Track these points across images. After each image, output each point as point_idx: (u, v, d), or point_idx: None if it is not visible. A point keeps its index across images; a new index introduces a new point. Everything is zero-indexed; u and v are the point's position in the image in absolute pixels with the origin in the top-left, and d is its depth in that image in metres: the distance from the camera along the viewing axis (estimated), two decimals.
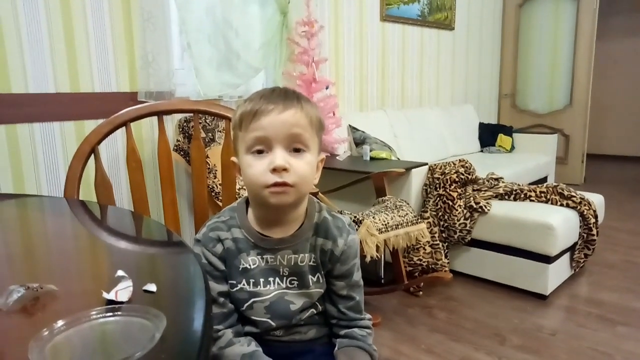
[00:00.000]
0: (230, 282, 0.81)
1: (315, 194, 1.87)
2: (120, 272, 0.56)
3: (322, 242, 0.81)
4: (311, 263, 0.81)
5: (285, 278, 0.81)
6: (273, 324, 0.82)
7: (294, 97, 0.75)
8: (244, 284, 0.80)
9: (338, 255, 0.81)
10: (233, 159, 0.80)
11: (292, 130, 0.73)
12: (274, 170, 0.72)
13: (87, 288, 0.61)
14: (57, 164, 1.85)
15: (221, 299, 0.80)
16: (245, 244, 0.80)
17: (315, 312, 0.85)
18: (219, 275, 0.80)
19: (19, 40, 1.71)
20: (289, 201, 0.74)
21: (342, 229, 0.83)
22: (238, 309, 0.82)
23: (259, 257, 0.80)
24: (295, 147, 0.74)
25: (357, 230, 1.84)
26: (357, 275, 0.86)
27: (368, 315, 0.89)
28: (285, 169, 0.72)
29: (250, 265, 0.80)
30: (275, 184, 0.72)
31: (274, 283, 0.81)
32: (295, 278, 0.81)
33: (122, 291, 0.53)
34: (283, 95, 0.75)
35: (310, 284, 0.82)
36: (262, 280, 0.80)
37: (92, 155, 1.18)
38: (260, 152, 0.74)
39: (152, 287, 0.55)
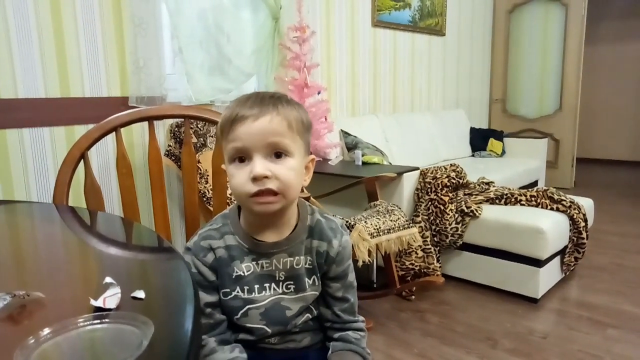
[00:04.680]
0: (223, 290, 0.80)
1: (307, 199, 1.87)
2: (108, 279, 0.55)
3: (318, 244, 0.81)
4: (307, 265, 0.81)
5: (281, 283, 0.81)
6: (269, 330, 0.81)
7: (269, 103, 0.73)
8: (238, 292, 0.79)
9: (334, 257, 0.81)
10: (223, 166, 0.79)
11: (269, 139, 0.71)
12: (255, 179, 0.71)
13: (75, 295, 0.60)
14: (47, 169, 1.84)
15: (208, 310, 0.79)
16: (239, 251, 0.79)
17: (310, 316, 0.85)
18: (207, 285, 0.79)
19: (8, 44, 1.70)
20: (275, 209, 0.73)
21: (335, 230, 0.82)
22: (232, 318, 0.81)
23: (253, 262, 0.79)
24: (276, 153, 0.73)
25: (349, 234, 1.84)
26: (352, 277, 0.86)
27: (361, 318, 0.89)
28: (266, 177, 0.71)
29: (244, 272, 0.79)
30: (259, 193, 0.71)
31: (269, 289, 0.80)
32: (291, 282, 0.81)
33: (110, 298, 0.52)
34: (259, 102, 0.73)
35: (307, 286, 0.82)
36: (256, 286, 0.80)
37: (82, 161, 1.17)
38: (242, 160, 0.73)
39: (140, 294, 0.55)
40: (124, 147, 1.20)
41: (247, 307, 0.80)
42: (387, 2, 3.37)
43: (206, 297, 0.79)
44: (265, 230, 0.79)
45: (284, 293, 0.81)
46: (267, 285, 0.80)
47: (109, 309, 0.51)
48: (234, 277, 0.79)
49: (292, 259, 0.80)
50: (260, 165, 0.71)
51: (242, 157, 0.73)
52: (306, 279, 0.82)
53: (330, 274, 0.83)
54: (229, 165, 0.75)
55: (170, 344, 0.47)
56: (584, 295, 2.25)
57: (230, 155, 0.74)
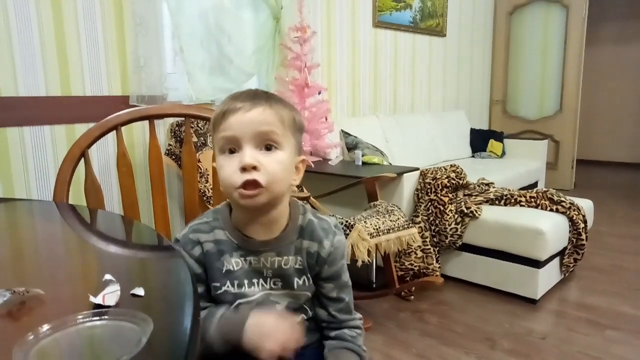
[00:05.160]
0: (213, 284, 0.80)
1: (307, 199, 1.88)
2: (107, 276, 0.56)
3: (308, 245, 0.80)
4: (297, 266, 0.81)
5: (269, 279, 0.81)
6: None
7: (262, 97, 0.75)
8: (228, 286, 0.79)
9: (325, 257, 0.80)
10: (213, 164, 0.79)
11: (260, 128, 0.72)
12: (244, 169, 0.71)
13: (75, 292, 0.61)
14: (47, 167, 1.84)
15: None
16: (228, 246, 0.79)
17: (305, 317, 0.85)
18: (194, 277, 0.79)
19: (9, 43, 1.70)
20: (261, 202, 0.73)
21: (327, 230, 0.82)
22: None
23: (242, 259, 0.79)
24: (267, 145, 0.73)
25: (348, 234, 1.84)
26: (346, 276, 0.85)
27: (358, 315, 0.88)
28: (254, 167, 0.71)
29: (233, 266, 0.79)
30: (246, 184, 0.71)
31: (257, 284, 0.80)
32: (279, 279, 0.81)
33: (110, 295, 0.53)
34: (252, 95, 0.75)
35: (295, 286, 0.81)
36: (246, 281, 0.80)
37: (83, 159, 1.17)
38: (232, 152, 0.74)
39: (140, 291, 0.55)
40: (124, 146, 1.21)
41: (238, 301, 0.80)
42: (388, 2, 3.37)
43: None
44: (254, 227, 0.79)
45: (271, 289, 0.81)
46: (255, 281, 0.80)
47: (109, 306, 0.51)
48: (223, 271, 0.79)
49: (280, 258, 0.79)
50: (249, 155, 0.71)
51: (232, 148, 0.73)
52: (295, 279, 0.81)
53: (323, 274, 0.82)
54: (219, 157, 0.75)
55: (169, 341, 0.47)
56: (583, 296, 2.25)
57: (220, 145, 0.74)
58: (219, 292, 0.80)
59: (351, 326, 0.86)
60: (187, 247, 0.79)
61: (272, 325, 0.74)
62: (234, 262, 0.79)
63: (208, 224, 0.81)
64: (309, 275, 0.82)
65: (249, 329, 0.73)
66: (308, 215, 0.83)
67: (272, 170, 0.72)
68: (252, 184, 0.71)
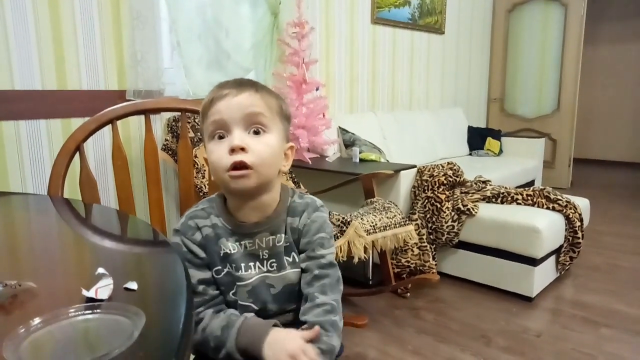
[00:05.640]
0: (215, 268, 0.81)
1: None
2: (100, 270, 0.55)
3: (291, 221, 0.83)
4: (286, 244, 0.83)
5: (265, 261, 0.82)
6: (256, 308, 0.83)
7: (248, 83, 0.78)
8: (228, 269, 0.81)
9: (300, 229, 0.83)
10: (205, 156, 0.81)
11: (248, 110, 0.75)
12: (232, 151, 0.73)
13: (67, 286, 0.60)
14: (43, 161, 1.83)
15: (201, 287, 0.80)
16: (223, 231, 0.81)
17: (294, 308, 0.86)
18: (199, 262, 0.81)
19: (5, 36, 1.69)
20: (250, 185, 0.75)
21: (309, 205, 0.84)
22: (227, 295, 0.82)
23: (237, 243, 0.81)
24: (255, 130, 0.76)
25: (345, 231, 1.84)
26: (323, 251, 0.82)
27: (331, 302, 0.80)
28: (243, 149, 0.73)
29: (230, 250, 0.81)
30: (234, 166, 0.73)
31: (254, 267, 0.82)
32: (274, 260, 0.83)
33: (102, 289, 0.52)
34: (238, 82, 0.78)
35: (286, 264, 0.83)
36: (242, 264, 0.81)
37: (78, 153, 1.16)
38: (221, 137, 0.76)
39: (133, 285, 0.55)
40: (119, 139, 1.20)
41: (236, 284, 0.82)
42: None
43: (198, 274, 0.80)
44: (246, 212, 0.81)
45: (268, 271, 0.83)
46: (252, 264, 0.82)
47: (101, 300, 0.51)
48: (221, 255, 0.81)
49: (273, 236, 0.82)
50: (238, 137, 0.74)
51: (222, 134, 0.76)
52: (285, 258, 0.83)
53: (300, 246, 0.84)
54: (209, 143, 0.77)
55: (162, 334, 0.47)
56: (578, 294, 2.26)
57: (210, 132, 0.77)
58: (222, 275, 0.81)
59: (317, 303, 0.80)
60: (187, 233, 0.80)
61: (294, 343, 0.72)
62: (231, 246, 0.81)
63: (204, 210, 0.83)
64: (296, 250, 0.84)
65: (270, 341, 0.73)
66: (295, 197, 0.86)
67: (260, 153, 0.74)
68: (241, 165, 0.73)
